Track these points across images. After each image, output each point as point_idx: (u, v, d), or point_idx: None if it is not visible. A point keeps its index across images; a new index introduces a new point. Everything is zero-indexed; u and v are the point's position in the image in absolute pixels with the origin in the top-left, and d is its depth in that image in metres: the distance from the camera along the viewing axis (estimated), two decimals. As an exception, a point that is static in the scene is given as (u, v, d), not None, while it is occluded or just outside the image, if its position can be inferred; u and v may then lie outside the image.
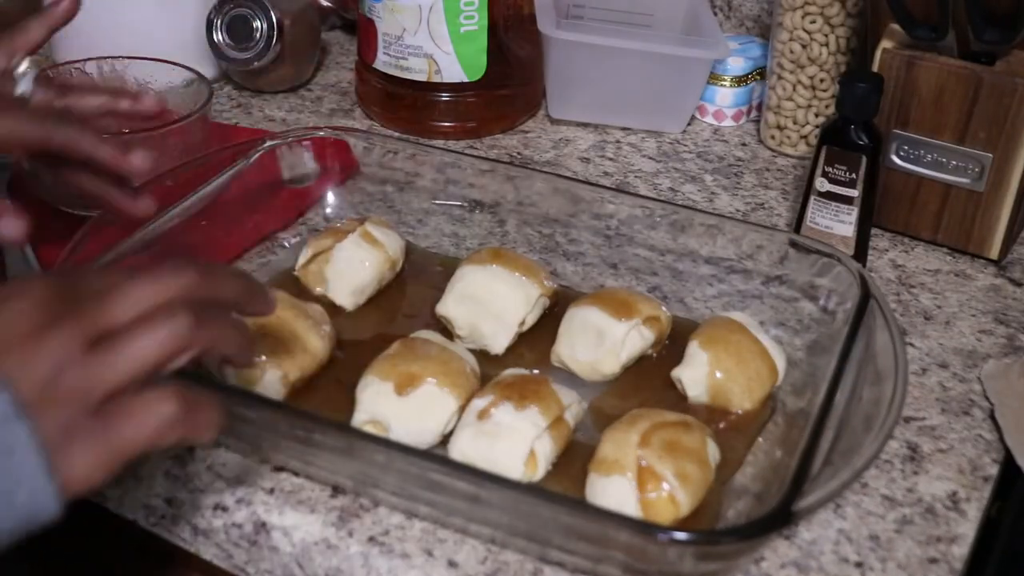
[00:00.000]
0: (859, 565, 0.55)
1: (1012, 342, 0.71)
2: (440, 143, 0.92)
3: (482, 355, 0.66)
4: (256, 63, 0.97)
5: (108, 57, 0.86)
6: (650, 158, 0.93)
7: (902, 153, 0.79)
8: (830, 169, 0.75)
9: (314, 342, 0.63)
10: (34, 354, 0.40)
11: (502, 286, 0.67)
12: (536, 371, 0.63)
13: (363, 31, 0.95)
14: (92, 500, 0.59)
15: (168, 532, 0.58)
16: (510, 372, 0.62)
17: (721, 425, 0.62)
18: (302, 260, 0.72)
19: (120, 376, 0.41)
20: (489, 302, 0.67)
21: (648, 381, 0.65)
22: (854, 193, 0.74)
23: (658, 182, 0.89)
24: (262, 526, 0.56)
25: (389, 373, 0.60)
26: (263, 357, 0.61)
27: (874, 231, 0.79)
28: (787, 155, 0.94)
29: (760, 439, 0.61)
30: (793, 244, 0.68)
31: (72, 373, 0.40)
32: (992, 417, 0.65)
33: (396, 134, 0.94)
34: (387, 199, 0.80)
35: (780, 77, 0.92)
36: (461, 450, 0.57)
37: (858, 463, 0.51)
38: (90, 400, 0.40)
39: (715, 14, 1.07)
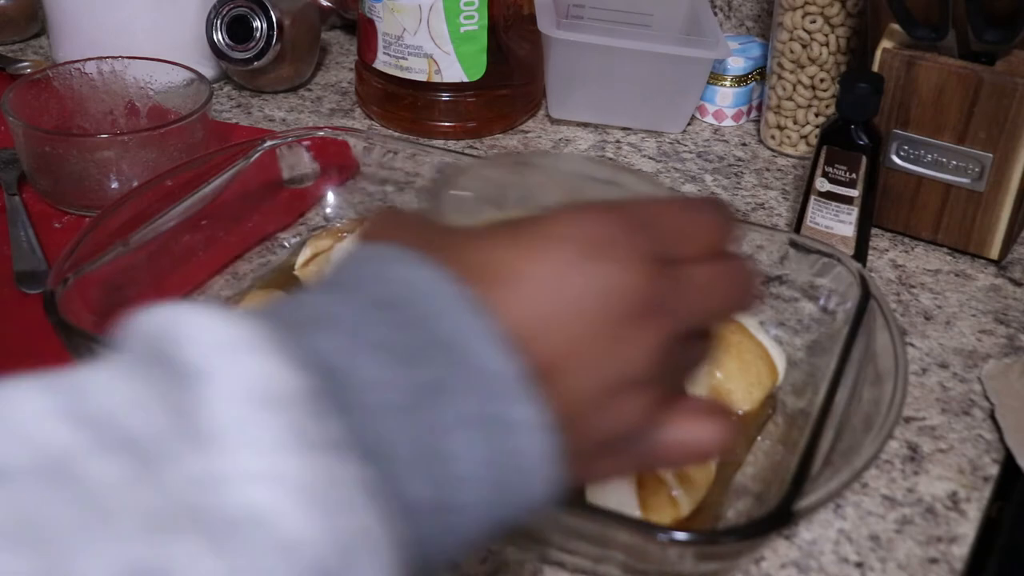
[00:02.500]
0: (859, 565, 0.55)
1: (1012, 342, 0.71)
2: (440, 143, 0.92)
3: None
4: (256, 63, 0.97)
5: (108, 57, 0.86)
6: (650, 158, 0.93)
7: (902, 153, 0.79)
8: (830, 169, 0.75)
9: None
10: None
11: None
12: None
13: (363, 31, 0.95)
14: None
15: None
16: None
17: (721, 425, 0.62)
18: (302, 260, 0.72)
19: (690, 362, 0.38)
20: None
21: (648, 381, 0.65)
22: (854, 193, 0.74)
23: (658, 182, 0.89)
24: (262, 526, 0.55)
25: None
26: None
27: (874, 231, 0.79)
28: (787, 155, 0.94)
29: (760, 439, 0.61)
30: (793, 244, 0.68)
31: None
32: (992, 417, 0.65)
33: (396, 134, 0.94)
34: (387, 199, 0.80)
35: (780, 77, 0.91)
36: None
37: (858, 463, 0.51)
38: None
39: (715, 14, 1.07)
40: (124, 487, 0.25)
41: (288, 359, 0.28)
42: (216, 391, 0.27)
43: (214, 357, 0.27)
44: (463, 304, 0.32)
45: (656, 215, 0.37)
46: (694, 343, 0.38)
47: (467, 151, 0.91)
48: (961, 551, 0.56)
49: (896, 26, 0.77)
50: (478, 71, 0.92)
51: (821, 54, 0.89)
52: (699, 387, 0.63)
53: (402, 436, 0.30)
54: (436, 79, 0.92)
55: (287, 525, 0.25)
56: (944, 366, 0.69)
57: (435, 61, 0.91)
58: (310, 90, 1.03)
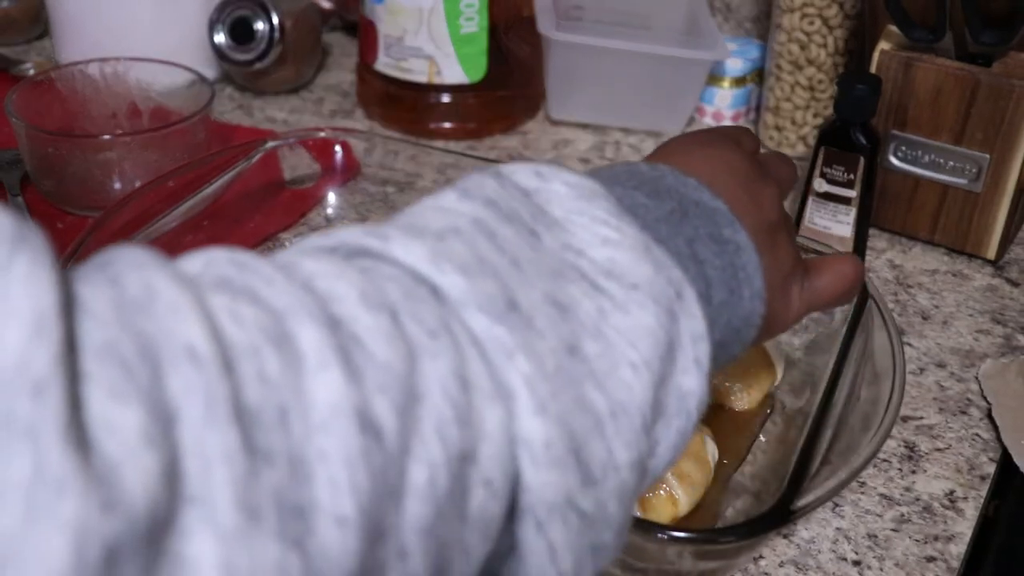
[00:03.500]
0: (857, 563, 0.55)
1: (1009, 342, 0.72)
2: (440, 144, 0.92)
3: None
4: (258, 64, 0.97)
5: (110, 58, 0.86)
6: (649, 159, 0.93)
7: (900, 154, 0.79)
8: (828, 170, 0.75)
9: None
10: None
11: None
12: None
13: (364, 33, 0.96)
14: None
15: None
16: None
17: (720, 424, 0.62)
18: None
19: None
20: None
21: (647, 381, 0.65)
22: (852, 194, 0.75)
23: (657, 183, 0.89)
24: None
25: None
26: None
27: (872, 231, 0.79)
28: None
29: (758, 438, 0.61)
30: (791, 244, 0.68)
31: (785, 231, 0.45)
32: (989, 416, 0.65)
33: (397, 135, 0.94)
34: (388, 200, 0.80)
35: (778, 78, 0.92)
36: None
37: (856, 462, 0.51)
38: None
39: (714, 16, 1.07)
40: (525, 247, 0.33)
41: (584, 176, 0.37)
42: (549, 192, 0.36)
43: (536, 176, 0.36)
44: (676, 172, 0.41)
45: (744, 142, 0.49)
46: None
47: (467, 152, 0.91)
48: (958, 549, 0.56)
49: (894, 28, 0.77)
50: (478, 72, 0.93)
51: (819, 55, 0.89)
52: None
53: (673, 239, 0.38)
54: (436, 80, 0.93)
55: (635, 271, 0.34)
56: (941, 366, 0.69)
57: (436, 62, 0.92)
58: (311, 91, 1.03)
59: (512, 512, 0.30)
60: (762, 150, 0.52)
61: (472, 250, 0.32)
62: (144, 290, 0.24)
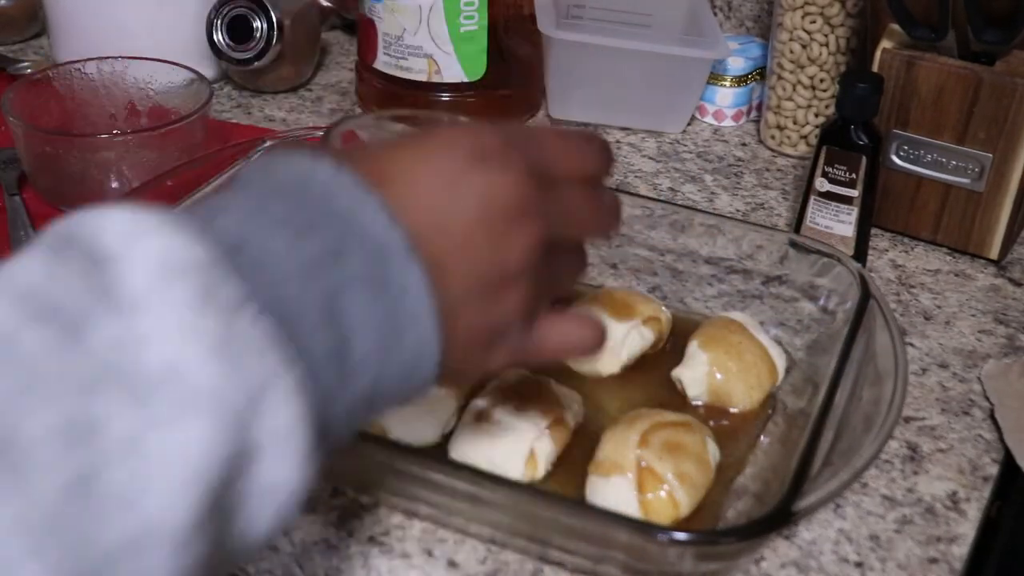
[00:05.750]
0: (859, 565, 0.55)
1: (1012, 342, 0.71)
2: (440, 143, 0.92)
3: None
4: (256, 63, 0.97)
5: (108, 57, 0.86)
6: (650, 158, 0.93)
7: (902, 153, 0.79)
8: (830, 169, 0.75)
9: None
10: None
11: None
12: (536, 372, 0.63)
13: (363, 31, 0.95)
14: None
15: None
16: (510, 372, 0.62)
17: (721, 425, 0.62)
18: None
19: (568, 229, 0.43)
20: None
21: (648, 381, 0.65)
22: (854, 193, 0.74)
23: (658, 182, 0.89)
24: (262, 526, 0.56)
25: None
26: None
27: (874, 231, 0.79)
28: (787, 155, 0.94)
29: (760, 439, 0.61)
30: (793, 244, 0.68)
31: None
32: (992, 417, 0.65)
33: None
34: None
35: (780, 77, 0.92)
36: (461, 450, 0.57)
37: (858, 463, 0.51)
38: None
39: (715, 14, 1.07)
40: (53, 354, 0.29)
41: (193, 236, 0.32)
42: (129, 265, 0.31)
43: (125, 239, 0.31)
44: (357, 187, 0.36)
45: (538, 138, 0.43)
46: (566, 254, 0.45)
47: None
48: (961, 551, 0.56)
49: (896, 26, 0.77)
50: (478, 71, 0.92)
51: (821, 54, 0.89)
52: (700, 387, 0.63)
53: (301, 296, 0.34)
54: (436, 79, 0.92)
55: (199, 375, 0.30)
56: (944, 366, 0.69)
57: (435, 61, 0.91)
58: (310, 90, 1.03)
59: None
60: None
61: None
62: None
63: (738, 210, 0.85)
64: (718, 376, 0.62)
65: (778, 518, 0.48)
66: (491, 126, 0.41)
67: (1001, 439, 0.63)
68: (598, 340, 0.45)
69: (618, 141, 0.95)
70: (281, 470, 0.33)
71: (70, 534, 0.28)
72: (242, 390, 0.31)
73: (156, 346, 0.30)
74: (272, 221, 0.35)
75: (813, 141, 0.89)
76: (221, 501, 0.31)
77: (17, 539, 0.27)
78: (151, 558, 0.29)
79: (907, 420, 0.64)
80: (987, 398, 0.66)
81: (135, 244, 0.31)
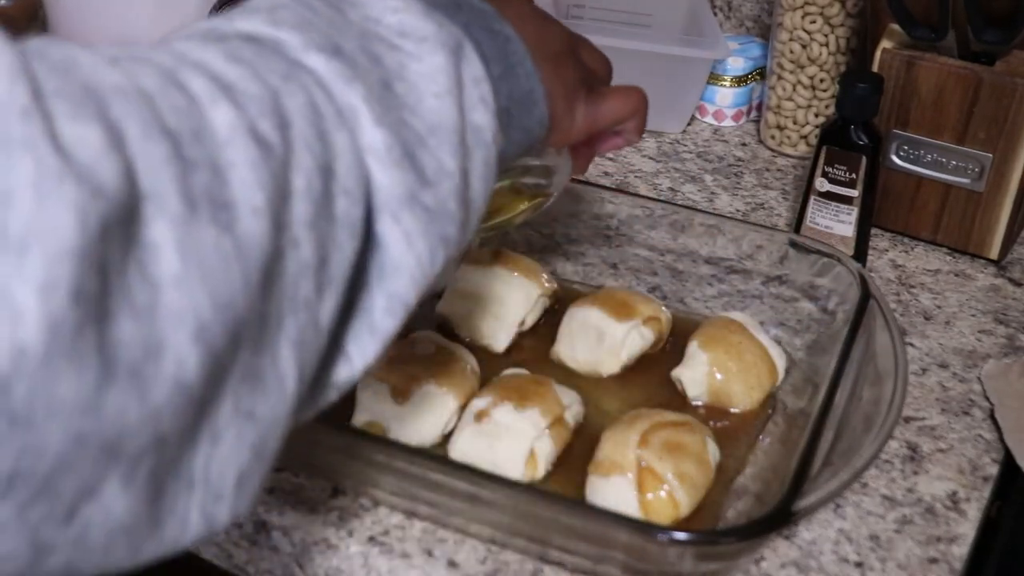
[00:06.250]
0: (859, 565, 0.55)
1: (1012, 342, 0.71)
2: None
3: (482, 354, 0.66)
4: (256, 63, 0.97)
5: (108, 57, 0.86)
6: (650, 158, 0.93)
7: (902, 153, 0.79)
8: (830, 169, 0.75)
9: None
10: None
11: (502, 286, 0.67)
12: (536, 372, 0.63)
13: (363, 31, 0.95)
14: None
15: (168, 532, 0.58)
16: (510, 372, 0.62)
17: (721, 425, 0.62)
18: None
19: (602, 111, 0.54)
20: (489, 301, 0.67)
21: (648, 381, 0.65)
22: (854, 193, 0.74)
23: (658, 182, 0.89)
24: (262, 526, 0.56)
25: (388, 374, 0.60)
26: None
27: (874, 231, 0.79)
28: (787, 155, 0.94)
29: (760, 439, 0.61)
30: (793, 244, 0.68)
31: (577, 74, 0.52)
32: (992, 417, 0.65)
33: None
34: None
35: (780, 77, 0.92)
36: (461, 450, 0.57)
37: (858, 463, 0.51)
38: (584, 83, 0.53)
39: (715, 14, 1.07)
40: (337, 16, 0.40)
41: None
42: None
43: None
44: None
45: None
46: (592, 70, 0.55)
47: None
48: (961, 551, 0.56)
49: (896, 26, 0.77)
50: (478, 71, 0.92)
51: (821, 54, 0.89)
52: (700, 388, 0.63)
53: (449, 18, 0.43)
54: (436, 79, 0.92)
55: (424, 28, 0.41)
56: (944, 366, 0.69)
57: (435, 61, 0.91)
58: (310, 90, 1.03)
59: (370, 215, 0.37)
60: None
61: (298, 15, 0.39)
62: (65, 59, 0.30)
63: (738, 210, 0.85)
64: (718, 376, 0.62)
65: (778, 518, 0.48)
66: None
67: (1001, 439, 0.63)
68: (643, 100, 0.57)
69: (618, 141, 0.95)
70: (480, 113, 0.42)
71: (397, 112, 0.39)
72: (450, 40, 0.42)
73: (387, 17, 0.41)
74: None
75: (813, 141, 0.89)
76: (462, 123, 0.41)
77: (368, 111, 0.37)
78: (446, 148, 0.40)
79: (907, 420, 0.64)
80: (987, 398, 0.66)
81: None
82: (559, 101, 0.50)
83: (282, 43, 0.37)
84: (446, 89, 0.40)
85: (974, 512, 0.58)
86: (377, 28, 0.41)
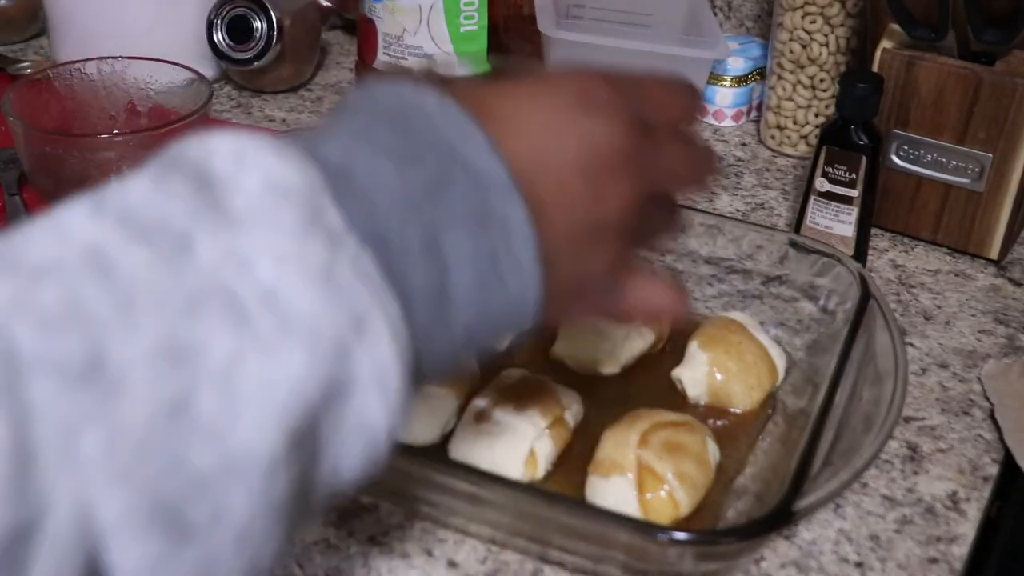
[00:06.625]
0: (859, 565, 0.55)
1: (1012, 342, 0.71)
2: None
3: (482, 355, 0.66)
4: (256, 63, 0.97)
5: (108, 57, 0.86)
6: (650, 158, 0.93)
7: (902, 153, 0.79)
8: (830, 169, 0.75)
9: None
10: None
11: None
12: (536, 372, 0.63)
13: (363, 31, 0.95)
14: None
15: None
16: (510, 372, 0.62)
17: (721, 425, 0.62)
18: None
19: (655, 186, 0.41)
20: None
21: (648, 381, 0.65)
22: (854, 193, 0.74)
23: (658, 182, 0.89)
24: (262, 526, 0.56)
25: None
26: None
27: (874, 231, 0.79)
28: (787, 155, 0.94)
29: (760, 439, 0.61)
30: (793, 244, 0.68)
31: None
32: (992, 417, 0.65)
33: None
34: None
35: (780, 77, 0.92)
36: (461, 450, 0.57)
37: (858, 463, 0.51)
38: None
39: (715, 14, 1.07)
40: (154, 274, 0.29)
41: (299, 161, 0.32)
42: (236, 187, 0.31)
43: (233, 162, 0.31)
44: (462, 120, 0.35)
45: (641, 85, 0.42)
46: (659, 210, 0.43)
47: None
48: (961, 551, 0.56)
49: (896, 26, 0.77)
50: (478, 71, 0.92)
51: (821, 54, 0.89)
52: (699, 387, 0.63)
53: (403, 228, 0.33)
54: (436, 79, 0.92)
55: (299, 302, 0.30)
56: (944, 366, 0.69)
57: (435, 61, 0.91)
58: (310, 90, 1.03)
59: None
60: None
61: (66, 295, 0.28)
62: None
63: (738, 210, 0.85)
64: (718, 376, 0.62)
65: (778, 518, 0.48)
66: (597, 70, 0.40)
67: (1001, 439, 0.63)
68: (680, 307, 0.44)
69: (618, 141, 0.95)
70: (375, 406, 0.32)
71: (158, 459, 0.27)
72: (341, 321, 0.30)
73: (262, 267, 0.30)
74: (377, 149, 0.34)
75: (813, 141, 0.89)
76: (312, 435, 0.30)
77: (105, 462, 0.27)
78: (238, 487, 0.29)
79: (907, 420, 0.64)
80: (987, 398, 0.66)
81: (243, 167, 0.31)
82: (565, 297, 0.39)
83: (15, 348, 0.27)
84: (284, 407, 0.29)
85: (974, 512, 0.58)
86: (236, 282, 0.29)
